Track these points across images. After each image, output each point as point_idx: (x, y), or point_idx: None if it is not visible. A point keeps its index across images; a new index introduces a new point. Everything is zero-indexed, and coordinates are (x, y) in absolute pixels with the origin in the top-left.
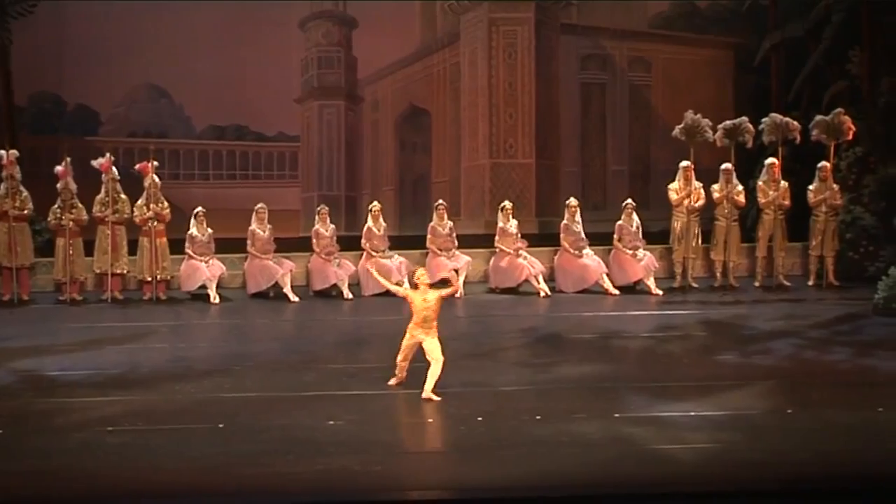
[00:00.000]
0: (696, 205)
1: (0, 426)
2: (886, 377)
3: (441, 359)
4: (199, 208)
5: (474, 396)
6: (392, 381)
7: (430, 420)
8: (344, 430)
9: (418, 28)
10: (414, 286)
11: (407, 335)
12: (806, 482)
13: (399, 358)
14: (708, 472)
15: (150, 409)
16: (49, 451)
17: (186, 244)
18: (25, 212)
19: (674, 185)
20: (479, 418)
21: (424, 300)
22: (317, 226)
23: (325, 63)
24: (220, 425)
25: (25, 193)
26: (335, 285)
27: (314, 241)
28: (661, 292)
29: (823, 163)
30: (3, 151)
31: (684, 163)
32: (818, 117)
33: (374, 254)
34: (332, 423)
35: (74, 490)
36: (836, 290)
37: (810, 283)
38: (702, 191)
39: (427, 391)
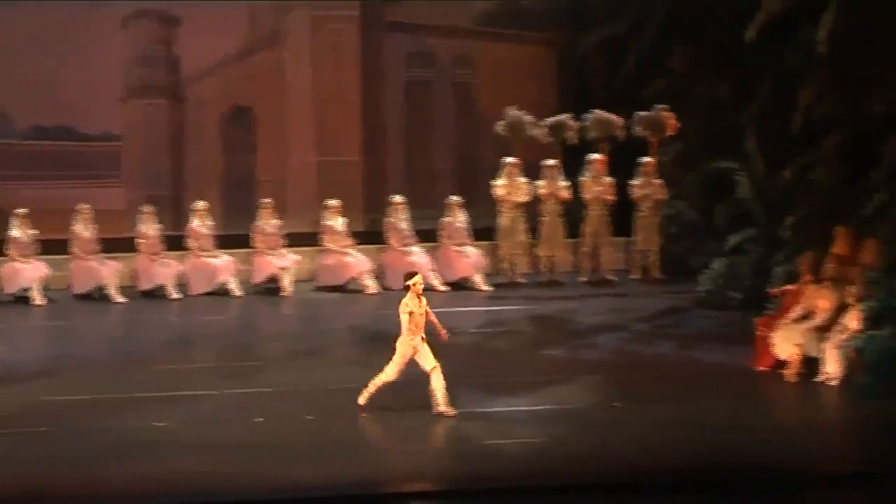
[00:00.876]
0: (521, 200)
1: None
2: (710, 369)
3: (437, 366)
4: (21, 209)
5: (304, 395)
6: (363, 399)
7: (261, 419)
8: (174, 431)
9: (243, 26)
10: (406, 290)
11: (405, 347)
12: (633, 475)
13: (394, 372)
14: (538, 467)
15: None
16: None
17: (8, 245)
18: None
19: (499, 182)
20: (309, 417)
21: (420, 305)
22: (142, 226)
23: (148, 62)
24: (44, 429)
25: None
26: (161, 285)
27: (139, 241)
28: (488, 288)
29: (646, 158)
30: None
31: (509, 159)
32: (640, 113)
33: (200, 253)
34: (161, 424)
35: None
36: (659, 284)
37: (634, 277)
38: (527, 186)
39: (443, 405)
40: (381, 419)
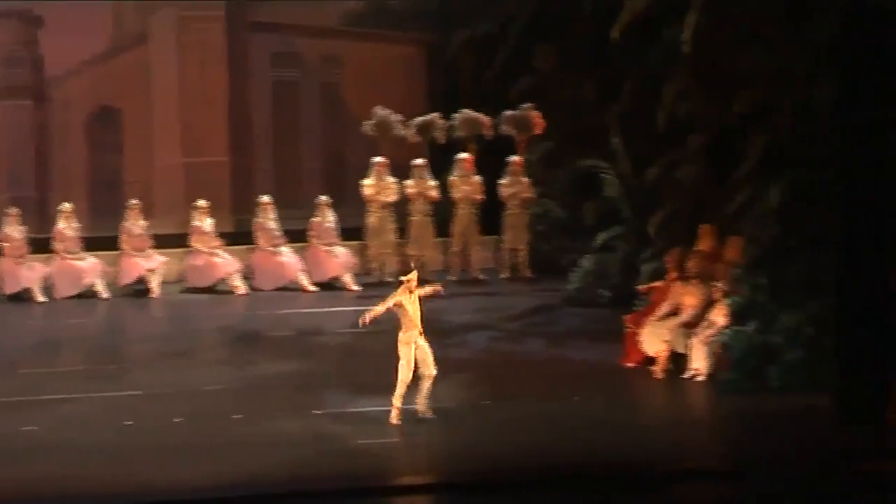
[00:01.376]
0: (390, 200)
1: None
2: (579, 366)
3: (434, 373)
4: None
5: (174, 397)
6: (395, 417)
7: (130, 423)
8: (41, 435)
9: (107, 26)
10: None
11: (406, 346)
12: (503, 473)
13: (406, 375)
14: (408, 466)
15: None
16: None
17: None
18: None
19: (368, 182)
20: (179, 419)
21: (413, 302)
22: (6, 228)
23: (10, 63)
24: None
25: None
26: (27, 288)
27: (4, 243)
28: (357, 288)
29: (514, 157)
30: None
31: (377, 159)
32: (508, 112)
33: (66, 255)
34: (28, 428)
35: None
36: (528, 283)
37: (504, 275)
38: (396, 186)
39: (423, 407)
40: (251, 420)
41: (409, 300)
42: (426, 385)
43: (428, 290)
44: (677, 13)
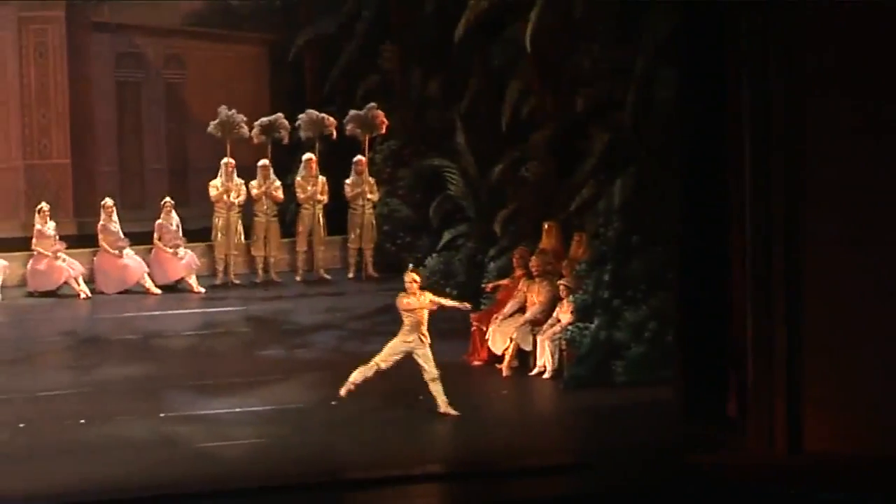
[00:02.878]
0: (237, 201)
1: None
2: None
3: (437, 375)
4: None
5: (15, 403)
6: (345, 391)
7: None
8: None
9: None
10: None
11: (396, 342)
12: (351, 473)
13: (379, 360)
14: (256, 468)
15: None
16: None
17: None
18: None
19: (215, 182)
20: (21, 425)
21: (418, 302)
22: None
23: None
24: None
25: None
26: None
27: None
28: (203, 290)
29: (359, 157)
30: None
31: (225, 159)
32: (352, 112)
33: None
34: None
35: None
36: (375, 282)
37: (350, 275)
38: (242, 187)
39: (444, 406)
40: (96, 425)
41: (416, 301)
42: (436, 388)
43: (452, 302)
44: (520, 12)
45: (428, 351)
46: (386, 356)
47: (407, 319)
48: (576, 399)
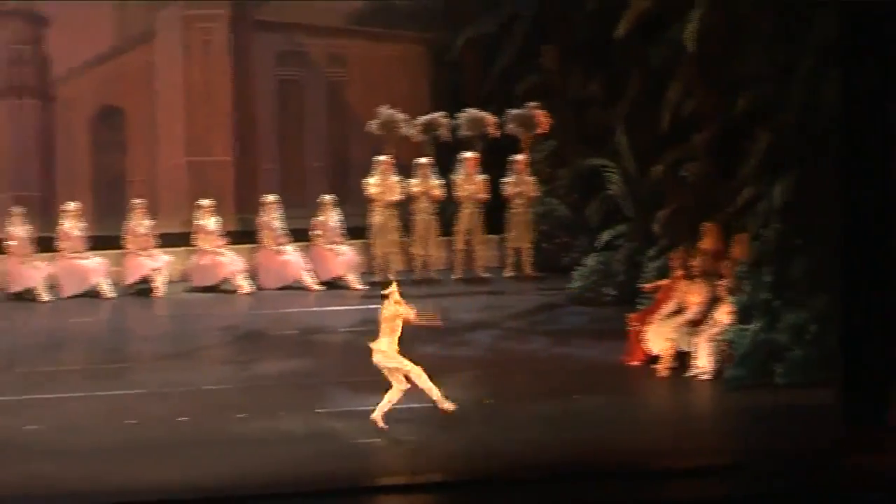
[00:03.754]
0: (394, 199)
1: None
2: (583, 365)
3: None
4: None
5: (175, 396)
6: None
7: (134, 422)
8: (45, 434)
9: (112, 25)
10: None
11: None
12: (508, 471)
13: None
14: (412, 464)
15: None
16: None
17: None
18: None
19: (372, 180)
20: (183, 418)
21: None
22: (11, 227)
23: (15, 62)
24: None
25: None
26: (31, 288)
27: (9, 243)
28: (361, 287)
29: (518, 156)
30: None
31: (382, 157)
32: (513, 111)
33: (71, 255)
34: (32, 427)
35: None
36: (532, 281)
37: (508, 274)
38: (399, 185)
39: (441, 401)
40: (254, 419)
41: (406, 311)
42: (424, 383)
43: (427, 319)
44: (682, 11)
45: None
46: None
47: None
48: (734, 400)
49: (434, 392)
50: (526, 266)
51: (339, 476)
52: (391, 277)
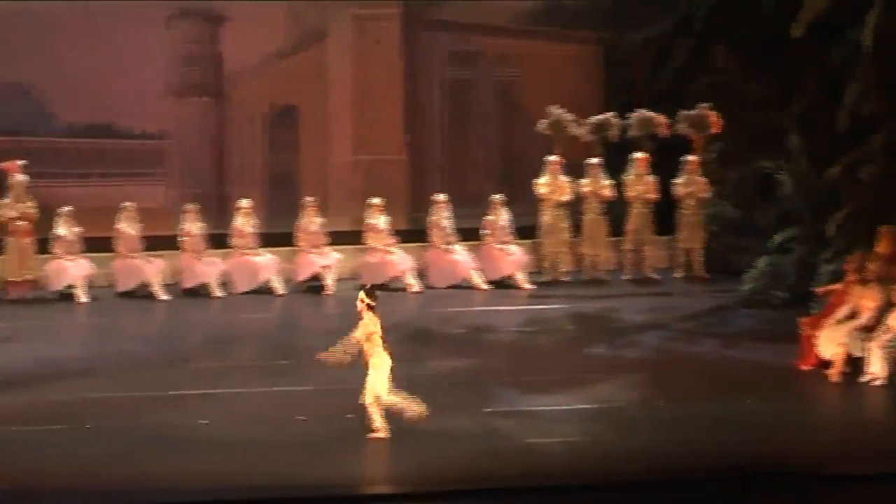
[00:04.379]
0: (564, 199)
1: None
2: (753, 368)
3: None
4: (66, 207)
5: (345, 393)
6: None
7: (302, 418)
8: (215, 428)
9: (286, 24)
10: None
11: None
12: (676, 473)
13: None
14: (578, 465)
15: (17, 410)
16: None
17: (53, 243)
18: None
19: (541, 180)
20: (350, 415)
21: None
22: (185, 224)
23: (192, 60)
24: (88, 426)
25: None
26: (205, 283)
27: (183, 239)
28: (530, 286)
29: (690, 157)
30: None
31: (551, 157)
32: (684, 112)
33: (243, 251)
34: (202, 422)
35: None
36: (702, 283)
37: (677, 275)
38: (569, 185)
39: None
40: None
41: (374, 322)
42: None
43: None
44: (858, 10)
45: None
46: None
47: (374, 342)
48: None
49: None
50: (696, 267)
51: (506, 475)
52: (561, 278)
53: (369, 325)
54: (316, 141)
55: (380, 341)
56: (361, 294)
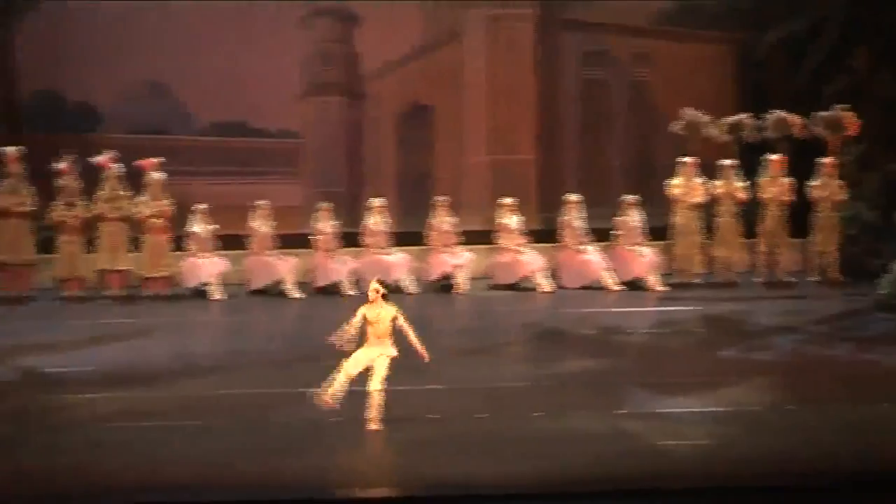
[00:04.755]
0: (697, 201)
1: (2, 423)
2: (888, 372)
3: (381, 387)
4: (201, 205)
5: (475, 393)
6: (328, 398)
7: (436, 416)
8: (347, 425)
9: (420, 24)
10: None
11: (364, 356)
12: (808, 478)
13: (350, 372)
14: (709, 468)
15: (152, 406)
16: (51, 449)
17: (188, 241)
18: (27, 208)
19: (675, 181)
20: (481, 415)
21: (378, 315)
22: (318, 222)
23: (326, 59)
24: (221, 422)
25: (27, 190)
26: (337, 282)
27: (316, 237)
28: (662, 288)
29: (826, 159)
30: (5, 148)
31: (686, 158)
32: (820, 113)
33: (375, 250)
34: (335, 419)
35: (76, 487)
36: (837, 286)
37: (812, 278)
38: (703, 187)
39: (373, 419)
40: (552, 418)
41: (373, 313)
42: (376, 399)
43: (415, 340)
44: None
45: (387, 362)
46: (353, 365)
47: (371, 330)
48: None
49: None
50: (831, 271)
51: (635, 477)
52: (693, 280)
53: (381, 313)
54: (449, 140)
55: (387, 331)
56: (375, 284)
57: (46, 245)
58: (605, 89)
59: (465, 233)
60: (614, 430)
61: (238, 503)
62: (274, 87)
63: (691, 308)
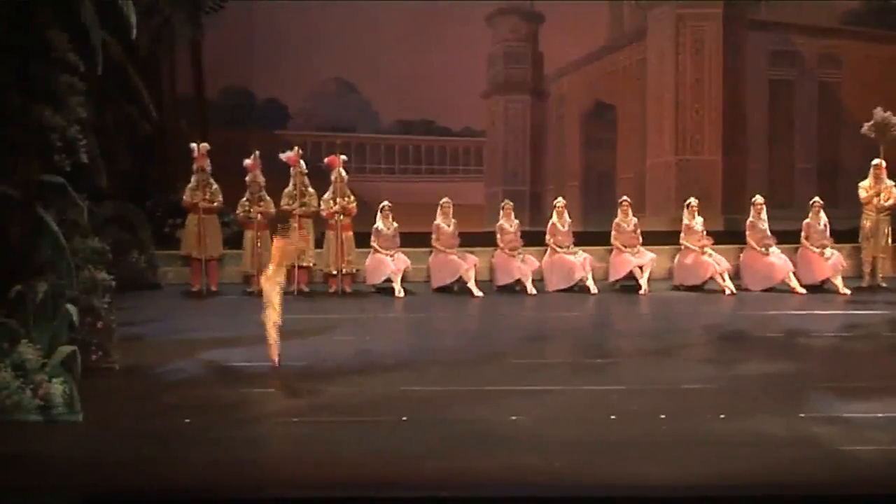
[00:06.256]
0: (887, 203)
1: (187, 415)
2: None
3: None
4: (385, 202)
5: (657, 394)
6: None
7: (613, 417)
8: (528, 425)
9: (605, 24)
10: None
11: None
12: None
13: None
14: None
15: (335, 401)
16: (234, 441)
17: (372, 238)
18: (215, 204)
19: (864, 183)
20: (662, 416)
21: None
22: (501, 221)
23: (511, 58)
24: (404, 418)
25: (215, 186)
26: (519, 281)
27: (498, 236)
28: (848, 291)
29: None
30: (194, 144)
31: (875, 161)
32: None
33: (557, 249)
34: (514, 418)
35: (255, 479)
36: None
37: None
38: (893, 189)
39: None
40: (734, 420)
41: (280, 244)
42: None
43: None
44: None
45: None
46: (275, 307)
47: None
48: None
49: (272, 347)
50: None
51: (820, 482)
52: (880, 283)
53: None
54: (633, 140)
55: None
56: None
57: (234, 240)
58: (791, 90)
59: (648, 233)
60: (796, 434)
61: (419, 500)
62: (458, 86)
63: (879, 312)
